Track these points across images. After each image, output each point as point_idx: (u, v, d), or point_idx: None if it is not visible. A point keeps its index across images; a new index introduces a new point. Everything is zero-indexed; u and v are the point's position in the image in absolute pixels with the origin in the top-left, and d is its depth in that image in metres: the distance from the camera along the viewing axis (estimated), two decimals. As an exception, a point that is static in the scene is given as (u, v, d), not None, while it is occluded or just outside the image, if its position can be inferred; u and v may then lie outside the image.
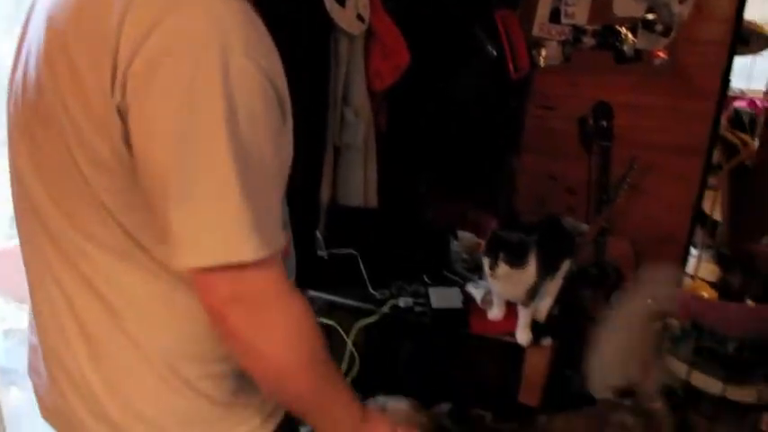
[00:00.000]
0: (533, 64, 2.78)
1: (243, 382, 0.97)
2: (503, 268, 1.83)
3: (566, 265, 2.14)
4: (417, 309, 2.13)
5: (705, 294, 3.18)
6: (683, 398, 2.22)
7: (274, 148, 0.83)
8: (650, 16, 2.69)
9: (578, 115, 2.75)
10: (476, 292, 2.18)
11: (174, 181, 0.76)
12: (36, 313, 1.02)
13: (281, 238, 0.84)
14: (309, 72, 2.09)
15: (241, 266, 0.78)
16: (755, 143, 3.65)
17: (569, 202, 2.84)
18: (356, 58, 2.20)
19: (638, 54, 2.74)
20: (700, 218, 3.45)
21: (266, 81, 0.79)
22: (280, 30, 0.90)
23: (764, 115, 3.72)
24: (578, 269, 2.39)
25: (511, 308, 2.07)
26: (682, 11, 2.61)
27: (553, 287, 2.10)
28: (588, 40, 2.78)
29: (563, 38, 2.81)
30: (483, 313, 2.12)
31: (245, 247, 0.78)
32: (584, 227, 2.56)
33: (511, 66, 2.44)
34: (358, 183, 2.29)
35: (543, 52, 2.82)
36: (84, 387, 0.95)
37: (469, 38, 2.46)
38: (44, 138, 0.87)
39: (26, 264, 1.02)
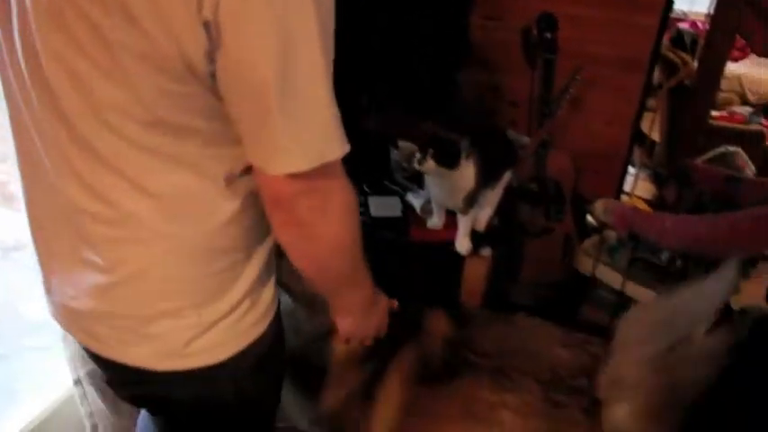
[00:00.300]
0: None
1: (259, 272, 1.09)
2: (429, 164, 1.78)
3: (507, 176, 2.11)
4: (357, 217, 2.09)
5: (641, 210, 3.25)
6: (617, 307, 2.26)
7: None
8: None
9: (522, 26, 2.68)
10: (416, 201, 2.14)
11: (277, 93, 0.81)
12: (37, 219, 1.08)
13: (346, 143, 0.93)
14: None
15: (321, 168, 0.88)
16: (695, 63, 3.67)
17: (512, 116, 2.80)
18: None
19: (586, -37, 2.66)
20: (638, 137, 3.48)
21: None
22: None
23: (705, 36, 3.72)
24: (518, 183, 2.37)
25: (451, 217, 2.04)
26: None
27: (493, 197, 2.08)
28: (535, -51, 2.69)
29: (510, -56, 2.71)
30: (423, 222, 2.09)
31: (336, 146, 0.90)
32: (526, 140, 2.53)
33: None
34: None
35: (489, -41, 2.71)
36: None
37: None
38: (91, 42, 0.83)
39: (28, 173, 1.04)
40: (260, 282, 1.10)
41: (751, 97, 5.30)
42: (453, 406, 1.58)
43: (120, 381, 1.20)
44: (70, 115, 0.90)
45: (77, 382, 1.83)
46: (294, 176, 0.88)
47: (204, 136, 0.92)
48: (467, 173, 1.83)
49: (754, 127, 4.30)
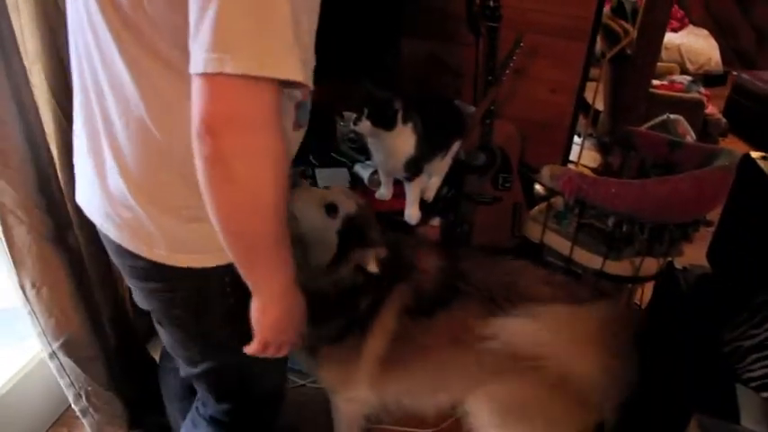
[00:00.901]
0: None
1: None
2: (365, 124, 1.76)
3: (456, 146, 2.10)
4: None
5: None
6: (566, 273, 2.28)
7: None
8: None
9: (465, -6, 2.66)
10: (363, 172, 2.11)
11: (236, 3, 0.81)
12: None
13: (300, 73, 0.88)
14: None
15: (262, 83, 0.85)
16: (635, 33, 3.71)
17: (457, 85, 2.78)
18: None
19: (527, -69, 2.65)
20: (582, 106, 3.51)
21: None
22: None
23: (644, 5, 3.76)
24: (466, 152, 2.36)
25: (400, 188, 2.02)
26: None
27: (442, 166, 2.07)
28: None
29: None
30: (372, 193, 2.06)
31: (281, 64, 0.86)
32: (472, 109, 2.52)
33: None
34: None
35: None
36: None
37: None
38: None
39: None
40: None
41: (690, 66, 5.42)
42: (442, 335, 1.68)
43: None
44: None
45: (52, 355, 1.80)
46: (227, 86, 0.84)
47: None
48: (405, 136, 1.81)
49: (693, 95, 4.40)
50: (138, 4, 0.94)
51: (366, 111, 1.74)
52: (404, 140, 1.80)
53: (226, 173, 0.88)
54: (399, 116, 1.77)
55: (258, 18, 0.83)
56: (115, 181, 1.10)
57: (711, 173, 2.22)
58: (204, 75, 0.84)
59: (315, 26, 1.04)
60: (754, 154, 1.72)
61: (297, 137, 1.18)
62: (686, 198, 2.20)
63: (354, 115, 1.77)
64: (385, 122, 1.76)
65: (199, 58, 0.84)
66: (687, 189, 2.19)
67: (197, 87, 0.86)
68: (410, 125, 1.79)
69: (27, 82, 1.59)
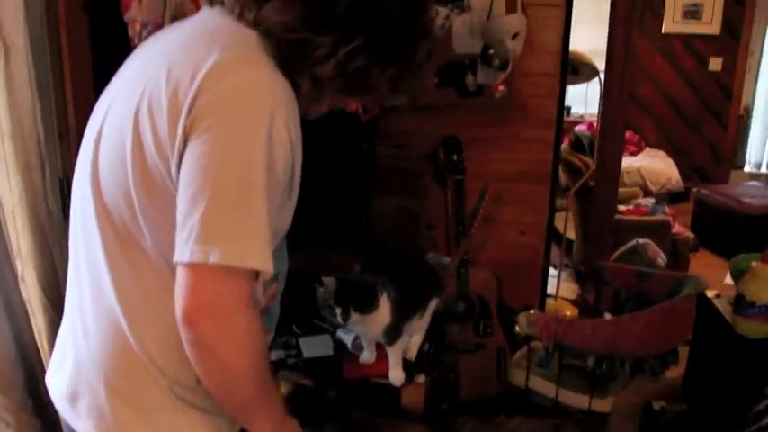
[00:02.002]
0: (381, 105, 2.83)
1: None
2: (354, 317, 1.84)
3: (433, 303, 2.17)
4: (290, 360, 2.09)
5: (568, 312, 3.34)
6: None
7: (282, 205, 1.05)
8: (488, 52, 2.82)
9: (429, 151, 2.82)
10: (346, 337, 2.16)
11: (215, 191, 0.92)
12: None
13: (272, 265, 0.98)
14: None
15: (241, 273, 0.94)
16: (594, 165, 3.89)
17: (431, 237, 2.90)
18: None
19: (480, 89, 2.85)
20: (555, 238, 3.63)
21: (291, 151, 1.00)
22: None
23: (597, 138, 3.96)
24: (444, 303, 2.43)
25: (382, 350, 2.06)
26: (515, 46, 2.74)
27: (421, 325, 2.12)
28: (432, 78, 2.87)
29: (408, 78, 2.88)
30: (355, 357, 2.10)
31: (257, 257, 0.95)
32: (447, 260, 2.61)
33: (359, 109, 2.47)
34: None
35: (390, 93, 2.88)
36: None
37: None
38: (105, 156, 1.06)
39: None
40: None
41: (652, 187, 5.64)
42: None
43: None
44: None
45: None
46: (211, 274, 0.93)
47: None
48: (383, 309, 1.88)
49: (659, 217, 4.55)
50: (130, 207, 1.03)
51: (352, 305, 1.82)
52: (382, 313, 1.87)
53: (210, 354, 0.97)
54: (380, 294, 1.85)
55: (239, 216, 0.94)
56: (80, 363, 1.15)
57: (681, 303, 2.30)
58: (189, 264, 0.93)
59: (288, 220, 1.14)
60: (709, 293, 1.81)
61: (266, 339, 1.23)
62: (660, 331, 2.26)
63: (338, 310, 1.85)
64: (369, 306, 1.84)
65: (186, 249, 0.93)
66: (659, 322, 2.26)
67: (182, 276, 0.94)
68: (385, 295, 1.87)
69: (16, 281, 1.66)
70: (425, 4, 1.13)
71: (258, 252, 0.95)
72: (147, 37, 1.87)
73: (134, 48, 1.80)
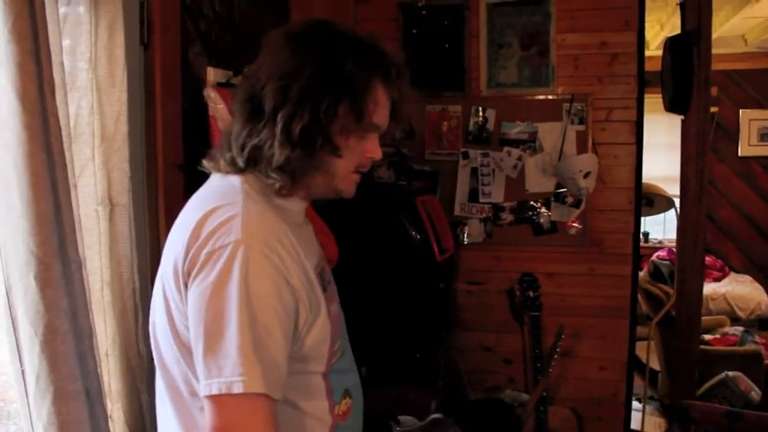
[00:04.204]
0: (458, 243, 2.93)
1: None
2: None
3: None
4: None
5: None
6: None
7: (281, 325, 1.07)
8: (560, 190, 2.91)
9: (505, 288, 2.87)
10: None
11: (207, 338, 1.03)
12: None
13: (280, 391, 1.06)
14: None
15: (261, 399, 1.01)
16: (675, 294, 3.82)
17: (508, 373, 2.89)
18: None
19: (554, 225, 2.92)
20: (639, 369, 3.54)
21: (281, 277, 1.06)
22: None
23: (676, 268, 3.91)
24: (524, 442, 2.40)
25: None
26: (587, 184, 2.83)
27: (500, 467, 2.11)
28: (507, 216, 2.97)
29: (483, 215, 2.99)
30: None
31: (276, 386, 1.03)
32: (525, 396, 2.59)
33: (435, 247, 2.56)
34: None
35: (466, 230, 2.98)
36: None
37: (395, 226, 2.59)
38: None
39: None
40: None
41: (741, 314, 5.43)
42: None
43: None
44: None
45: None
46: (234, 403, 1.01)
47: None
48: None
49: (749, 347, 4.37)
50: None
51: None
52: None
53: None
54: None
55: (257, 350, 1.03)
56: None
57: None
58: (213, 396, 1.01)
59: (324, 335, 1.19)
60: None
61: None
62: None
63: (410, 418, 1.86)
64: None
65: (214, 383, 1.02)
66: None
67: (208, 407, 1.03)
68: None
69: (106, 420, 1.76)
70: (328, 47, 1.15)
71: (276, 379, 1.04)
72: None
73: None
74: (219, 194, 1.14)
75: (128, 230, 1.75)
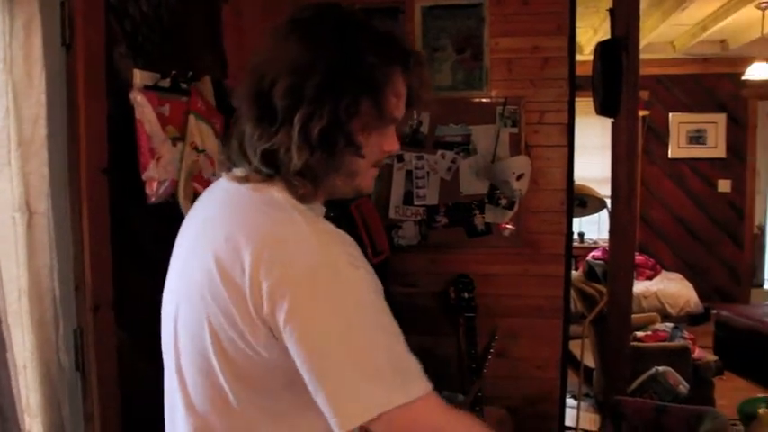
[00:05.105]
0: (393, 245, 2.93)
1: None
2: None
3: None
4: None
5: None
6: None
7: (389, 317, 1.03)
8: (494, 193, 2.95)
9: (440, 290, 2.89)
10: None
11: (332, 365, 0.97)
12: None
13: (424, 381, 1.01)
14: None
15: (405, 411, 0.96)
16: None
17: (443, 374, 2.91)
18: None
19: (488, 227, 2.96)
20: (575, 367, 3.60)
21: (369, 275, 1.03)
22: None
23: (607, 265, 3.99)
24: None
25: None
26: (521, 186, 2.87)
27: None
28: (441, 219, 2.99)
29: (418, 218, 3.01)
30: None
31: (397, 393, 0.96)
32: (461, 397, 2.61)
33: (370, 250, 2.57)
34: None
35: (401, 233, 2.99)
36: None
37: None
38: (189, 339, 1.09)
39: None
40: None
41: (671, 311, 5.61)
42: None
43: None
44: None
45: None
46: (399, 416, 0.96)
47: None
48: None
49: (678, 342, 4.51)
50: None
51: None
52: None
53: None
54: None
55: (402, 354, 1.01)
56: None
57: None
58: (392, 411, 0.95)
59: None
60: None
61: None
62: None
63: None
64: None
65: (381, 403, 0.96)
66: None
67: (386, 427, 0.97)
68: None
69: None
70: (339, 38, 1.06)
71: (406, 381, 0.99)
72: (162, 194, 2.00)
73: (150, 204, 1.93)
74: (262, 211, 1.05)
75: (47, 237, 1.69)
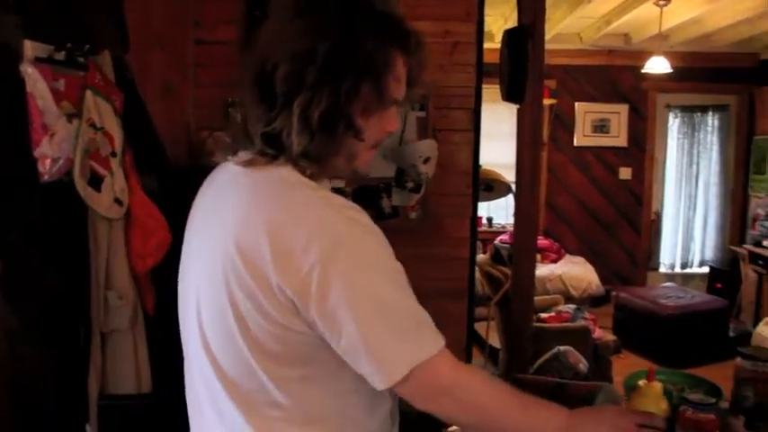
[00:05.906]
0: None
1: None
2: None
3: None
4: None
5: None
6: None
7: (405, 276, 1.13)
8: (401, 176, 2.97)
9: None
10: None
11: (370, 329, 1.02)
12: None
13: (440, 335, 1.11)
14: (67, 258, 2.02)
15: (430, 364, 1.05)
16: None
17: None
18: (116, 242, 2.17)
19: (395, 210, 2.98)
20: (480, 346, 3.68)
21: (384, 239, 1.11)
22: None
23: (512, 248, 4.08)
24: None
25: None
26: (427, 169, 2.90)
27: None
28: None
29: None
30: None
31: (428, 346, 1.07)
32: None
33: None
34: (129, 369, 2.21)
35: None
36: None
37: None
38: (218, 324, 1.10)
39: None
40: None
41: (574, 293, 5.82)
42: None
43: None
44: None
45: None
46: (411, 382, 1.04)
47: None
48: None
49: (579, 323, 4.68)
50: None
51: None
52: None
53: (474, 419, 1.12)
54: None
55: (421, 313, 1.11)
56: None
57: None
58: (415, 369, 1.03)
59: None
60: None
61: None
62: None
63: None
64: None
65: (377, 381, 1.04)
66: None
67: (407, 384, 1.04)
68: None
69: None
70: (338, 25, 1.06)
71: (432, 333, 1.10)
72: (56, 173, 1.91)
73: (44, 182, 1.85)
74: (276, 190, 1.07)
75: None
